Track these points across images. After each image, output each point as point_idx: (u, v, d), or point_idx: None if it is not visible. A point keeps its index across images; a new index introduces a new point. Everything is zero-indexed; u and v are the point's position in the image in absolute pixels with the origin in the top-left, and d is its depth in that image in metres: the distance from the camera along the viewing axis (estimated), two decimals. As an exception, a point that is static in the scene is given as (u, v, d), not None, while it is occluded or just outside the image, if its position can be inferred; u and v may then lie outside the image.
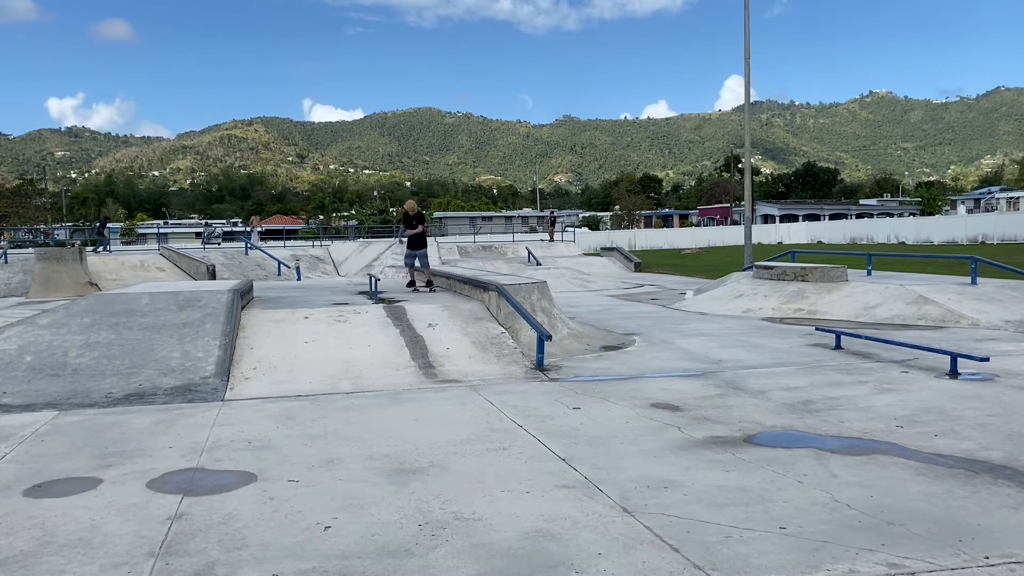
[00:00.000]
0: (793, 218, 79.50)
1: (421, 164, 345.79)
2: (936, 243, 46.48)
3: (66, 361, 8.71)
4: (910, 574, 3.69)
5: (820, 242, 54.69)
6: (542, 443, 6.12)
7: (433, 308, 11.35)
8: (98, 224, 34.87)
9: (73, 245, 30.50)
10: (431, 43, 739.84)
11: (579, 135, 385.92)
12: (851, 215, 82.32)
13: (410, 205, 14.69)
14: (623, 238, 59.57)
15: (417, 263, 14.00)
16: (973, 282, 15.19)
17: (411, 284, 14.31)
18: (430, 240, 40.15)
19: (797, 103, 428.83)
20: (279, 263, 27.50)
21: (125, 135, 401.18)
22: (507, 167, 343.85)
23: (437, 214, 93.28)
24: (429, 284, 13.98)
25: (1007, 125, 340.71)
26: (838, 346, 10.58)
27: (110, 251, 31.37)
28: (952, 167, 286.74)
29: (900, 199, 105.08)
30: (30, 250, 29.85)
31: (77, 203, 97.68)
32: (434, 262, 28.05)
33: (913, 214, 76.51)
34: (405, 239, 14.41)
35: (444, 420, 6.97)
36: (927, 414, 6.83)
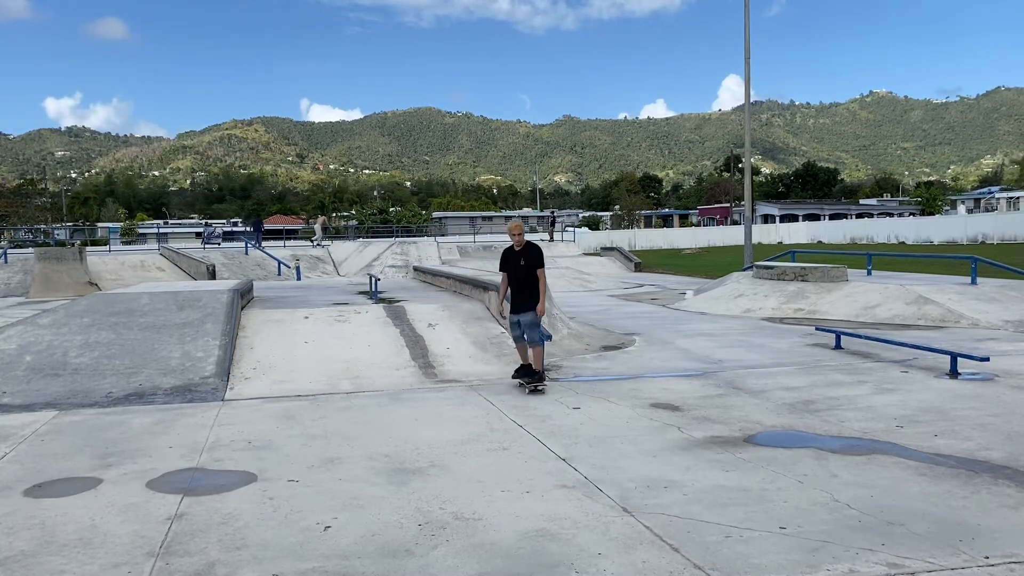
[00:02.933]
0: (793, 218, 79.50)
1: (421, 164, 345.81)
2: (936, 243, 46.48)
3: (66, 361, 8.71)
4: (910, 574, 3.69)
5: (820, 242, 54.70)
6: (542, 443, 6.12)
7: (433, 308, 11.35)
8: (252, 226, 37.06)
9: (73, 245, 30.54)
10: (430, 43, 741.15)
11: (579, 135, 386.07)
12: (851, 215, 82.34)
13: (515, 228, 8.35)
14: (623, 238, 59.55)
15: (529, 334, 8.14)
16: (973, 282, 15.18)
17: (523, 371, 8.22)
18: (430, 241, 39.51)
19: (797, 103, 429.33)
20: (279, 263, 27.51)
21: (125, 135, 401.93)
22: (507, 167, 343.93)
23: (437, 214, 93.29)
24: (537, 376, 8.10)
25: (1007, 125, 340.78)
26: (838, 346, 10.58)
27: (257, 248, 33.26)
28: (952, 167, 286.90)
29: (900, 199, 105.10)
30: (30, 250, 29.86)
31: (77, 203, 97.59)
32: (434, 262, 27.99)
33: (913, 214, 76.55)
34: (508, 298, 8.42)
35: (444, 420, 6.97)
36: (927, 414, 6.83)
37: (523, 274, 8.17)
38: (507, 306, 8.45)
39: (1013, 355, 9.74)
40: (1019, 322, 12.50)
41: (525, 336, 8.19)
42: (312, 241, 39.45)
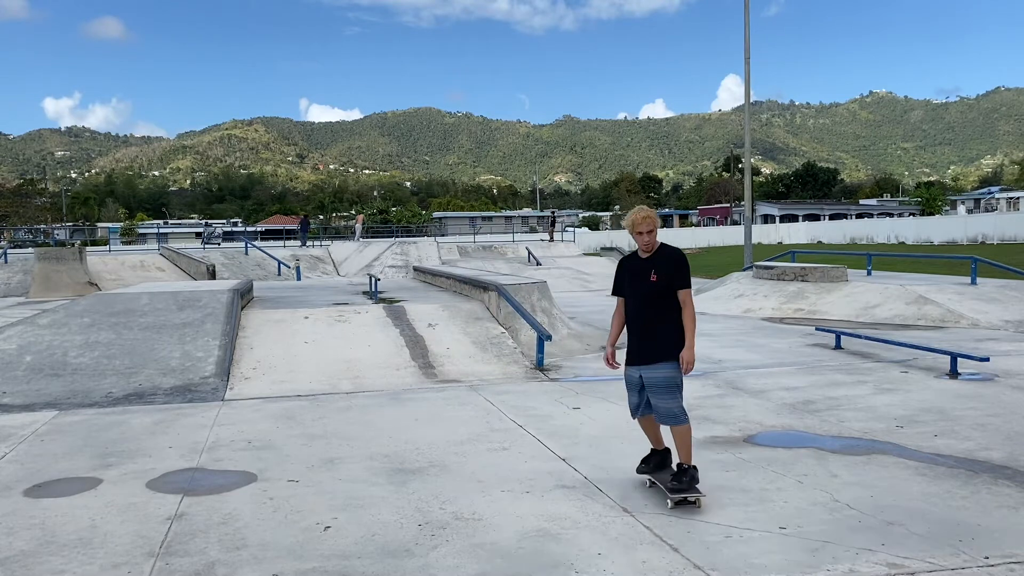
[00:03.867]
0: (793, 218, 79.47)
1: (421, 164, 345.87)
2: (936, 243, 46.45)
3: (66, 361, 8.71)
4: (910, 574, 3.69)
5: (820, 242, 54.69)
6: (542, 443, 6.12)
7: (433, 308, 11.35)
8: (301, 224, 41.27)
9: (73, 245, 30.55)
10: (429, 43, 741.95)
11: (579, 135, 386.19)
12: (851, 215, 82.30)
13: (643, 221, 4.70)
14: (623, 238, 59.49)
15: (657, 402, 4.78)
16: (973, 282, 15.19)
17: (656, 462, 5.06)
18: (430, 242, 39.79)
19: (797, 103, 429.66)
20: (279, 263, 27.50)
21: (125, 135, 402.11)
22: (507, 167, 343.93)
23: (437, 214, 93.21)
24: (686, 475, 4.68)
25: (1007, 125, 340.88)
26: (838, 346, 10.58)
27: (310, 245, 36.13)
28: (952, 167, 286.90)
29: (900, 199, 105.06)
30: (30, 250, 29.87)
31: (77, 203, 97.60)
32: (434, 262, 27.96)
33: (913, 214, 76.52)
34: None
35: (444, 420, 6.97)
36: (927, 414, 6.83)
37: (653, 297, 4.73)
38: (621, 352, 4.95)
39: (1013, 355, 9.74)
40: (1019, 322, 12.50)
41: (653, 405, 4.81)
42: (354, 239, 41.62)
